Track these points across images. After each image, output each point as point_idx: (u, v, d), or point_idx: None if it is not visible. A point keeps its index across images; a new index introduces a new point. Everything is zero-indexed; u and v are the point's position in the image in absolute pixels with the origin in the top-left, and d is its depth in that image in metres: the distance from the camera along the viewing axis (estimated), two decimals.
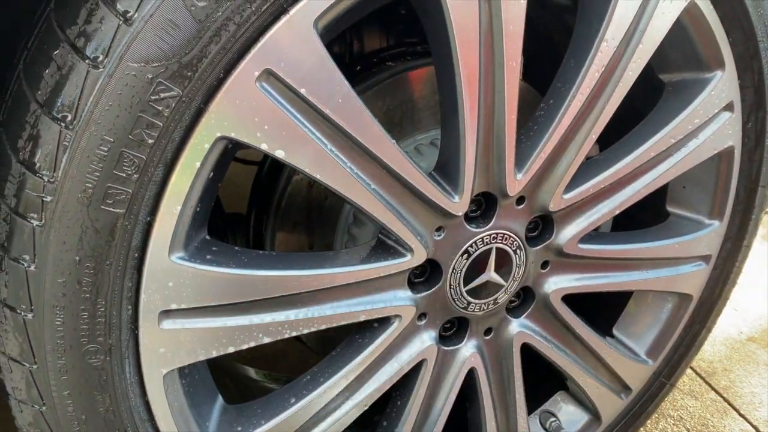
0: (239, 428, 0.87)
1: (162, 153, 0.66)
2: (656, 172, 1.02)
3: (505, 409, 1.10)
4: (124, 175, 0.65)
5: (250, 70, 0.67)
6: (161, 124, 0.65)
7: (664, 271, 1.13)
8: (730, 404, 1.67)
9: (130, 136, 0.64)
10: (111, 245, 0.68)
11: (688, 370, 1.76)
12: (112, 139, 0.64)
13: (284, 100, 0.70)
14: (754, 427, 1.61)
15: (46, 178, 0.64)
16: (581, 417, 1.26)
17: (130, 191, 0.66)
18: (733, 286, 1.25)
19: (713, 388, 1.72)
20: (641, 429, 1.44)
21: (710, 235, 1.14)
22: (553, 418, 1.23)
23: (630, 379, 1.22)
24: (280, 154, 0.72)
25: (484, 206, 0.93)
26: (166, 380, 0.79)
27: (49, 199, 0.64)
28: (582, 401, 1.25)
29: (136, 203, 0.67)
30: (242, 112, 0.69)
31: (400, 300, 0.91)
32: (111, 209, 0.66)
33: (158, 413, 0.80)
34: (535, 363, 1.14)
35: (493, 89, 0.83)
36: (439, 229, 0.89)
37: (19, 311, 0.69)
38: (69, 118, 0.63)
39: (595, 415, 1.24)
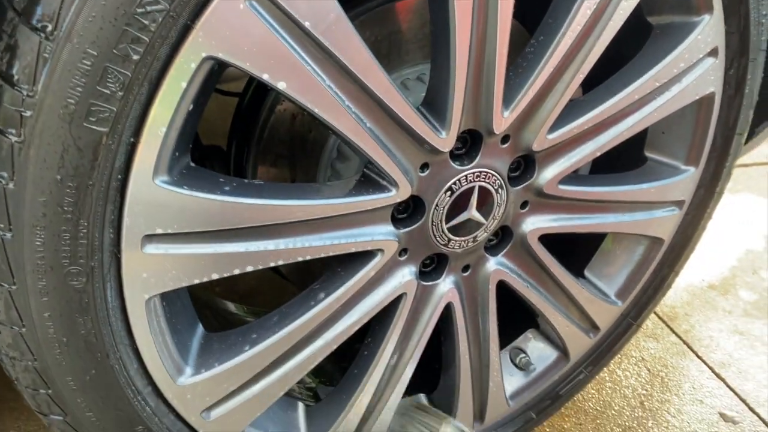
0: (220, 354, 0.88)
1: (147, 70, 0.64)
2: (638, 115, 1.03)
3: (479, 344, 1.13)
4: (108, 92, 0.63)
5: None
6: (147, 40, 0.62)
7: (638, 214, 1.16)
8: (689, 347, 1.75)
9: (114, 51, 0.62)
10: (94, 165, 0.66)
11: (651, 315, 1.83)
12: (95, 53, 0.61)
13: (274, 21, 0.68)
14: (710, 367, 1.69)
15: (24, 92, 0.61)
16: (550, 354, 1.30)
17: (114, 109, 0.64)
18: (702, 232, 1.28)
19: (674, 332, 1.79)
20: (605, 368, 1.50)
21: (685, 180, 1.17)
22: (522, 354, 1.27)
23: (599, 318, 1.26)
24: (267, 77, 0.71)
25: (469, 144, 0.93)
26: (148, 306, 0.78)
27: (28, 114, 0.62)
28: (552, 339, 1.29)
29: (120, 122, 0.65)
30: (230, 32, 0.66)
31: (384, 234, 0.92)
32: (94, 127, 0.64)
33: (139, 338, 0.80)
34: (508, 301, 1.16)
35: (486, 22, 0.81)
36: (424, 165, 0.89)
37: None
38: (49, 28, 0.60)
39: (563, 353, 1.29)
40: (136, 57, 0.63)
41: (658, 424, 1.52)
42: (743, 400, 1.60)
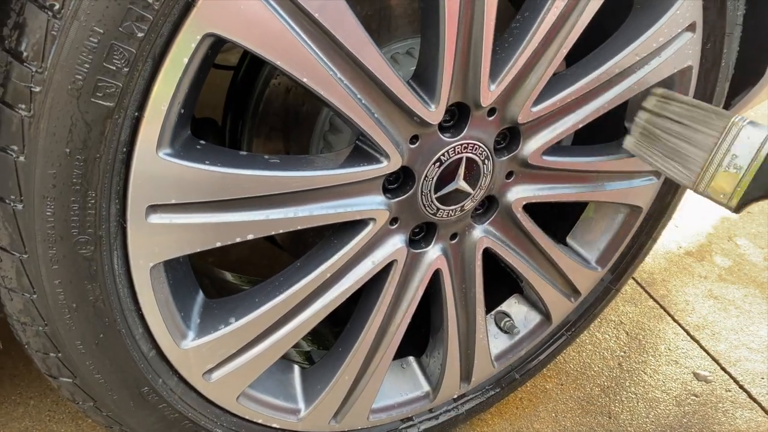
0: (220, 319, 0.92)
1: (151, 47, 0.67)
2: (619, 88, 1.07)
3: (465, 309, 1.18)
4: (114, 68, 0.66)
5: None
6: (151, 17, 0.65)
7: (618, 183, 1.21)
8: (665, 311, 1.82)
9: (120, 29, 0.64)
10: (101, 139, 0.69)
11: (630, 281, 1.90)
12: (101, 31, 0.64)
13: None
14: (685, 330, 1.76)
15: (33, 68, 0.64)
16: (533, 318, 1.36)
17: (120, 85, 0.67)
18: (679, 200, 1.34)
19: (651, 297, 1.87)
20: (585, 331, 1.57)
21: None
22: (507, 318, 1.33)
23: (580, 284, 1.31)
24: (264, 53, 0.74)
25: (457, 116, 0.97)
26: (153, 273, 0.82)
27: (37, 89, 0.65)
28: (535, 303, 1.35)
29: (125, 97, 0.68)
30: (230, 10, 0.69)
31: (375, 204, 0.96)
32: (101, 102, 0.67)
33: (144, 304, 0.84)
34: (494, 267, 1.21)
35: None
36: (414, 137, 0.93)
37: (8, 201, 0.70)
38: (57, 6, 0.62)
39: (546, 316, 1.35)
40: (140, 34, 0.65)
41: (635, 384, 1.59)
42: (716, 361, 1.68)
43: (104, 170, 0.71)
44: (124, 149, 0.72)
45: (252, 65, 1.07)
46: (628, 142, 0.97)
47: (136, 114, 0.70)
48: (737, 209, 0.89)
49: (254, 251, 1.80)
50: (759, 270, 1.99)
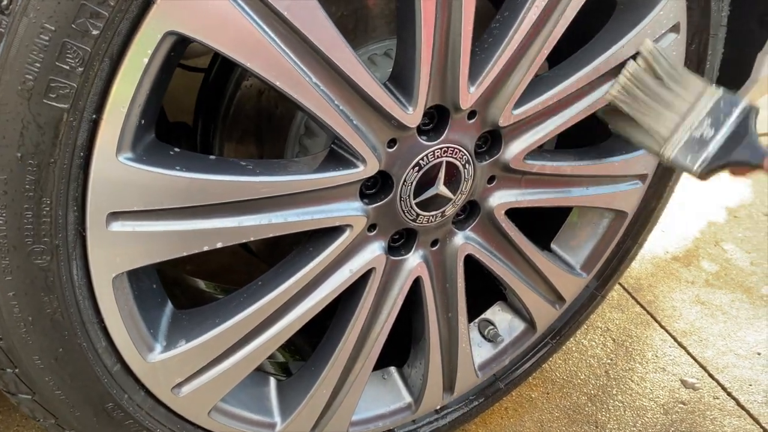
0: (190, 332, 0.88)
1: (108, 46, 0.63)
2: (603, 90, 1.05)
3: (447, 317, 1.15)
4: (68, 67, 0.62)
5: None
6: (106, 14, 0.61)
7: (603, 188, 1.18)
8: (652, 317, 1.80)
9: (73, 26, 0.61)
10: (55, 143, 0.65)
11: (617, 286, 1.88)
12: (53, 28, 0.60)
13: None
14: (672, 336, 1.74)
15: None
16: (518, 325, 1.33)
17: (75, 85, 0.63)
18: (665, 205, 1.32)
19: (638, 302, 1.84)
20: (571, 338, 1.54)
21: (648, 154, 1.19)
22: (491, 327, 1.30)
23: (565, 290, 1.29)
24: (230, 53, 0.70)
25: (436, 119, 0.94)
26: (115, 283, 0.78)
27: None
28: (519, 311, 1.32)
29: (81, 99, 0.64)
30: (192, 7, 0.66)
31: (352, 210, 0.92)
32: (54, 104, 0.63)
33: (107, 316, 0.80)
34: (477, 275, 1.18)
35: None
36: (391, 141, 0.90)
37: None
38: (4, 2, 0.59)
39: (530, 324, 1.32)
40: (95, 32, 0.62)
41: (622, 392, 1.57)
42: (703, 367, 1.66)
43: (60, 176, 0.67)
44: (82, 154, 0.68)
45: (223, 67, 1.03)
46: (612, 91, 0.94)
47: (94, 116, 0.67)
48: (702, 176, 0.88)
49: (235, 259, 1.76)
50: (746, 275, 1.98)
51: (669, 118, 0.89)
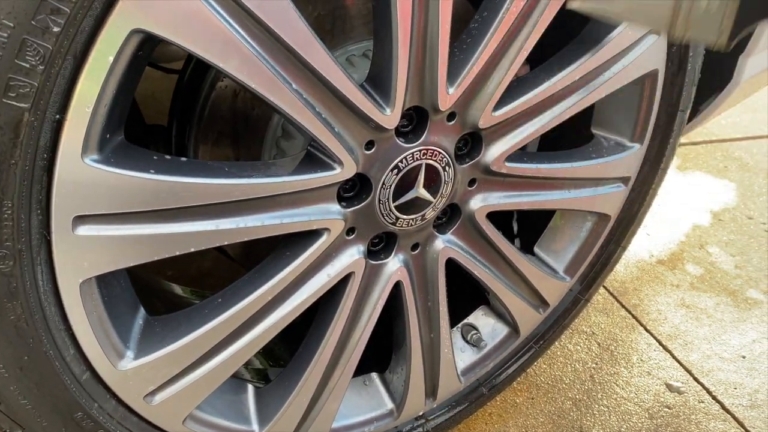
0: (163, 339, 0.86)
1: (70, 43, 0.61)
2: (583, 92, 1.04)
3: (429, 322, 1.13)
4: (28, 65, 0.60)
5: None
6: (68, 11, 0.60)
7: (585, 191, 1.17)
8: (638, 320, 1.79)
9: (33, 22, 0.59)
10: (16, 143, 0.63)
11: (602, 290, 1.87)
12: (11, 24, 0.58)
13: None
14: (657, 340, 1.74)
15: None
16: (501, 330, 1.32)
17: (36, 84, 0.61)
18: (648, 208, 1.31)
19: (624, 306, 1.84)
20: (556, 342, 1.53)
21: (631, 157, 1.18)
22: (474, 331, 1.28)
23: (548, 294, 1.27)
24: (200, 52, 0.69)
25: (415, 121, 0.92)
26: (83, 289, 0.76)
27: None
28: (502, 315, 1.31)
29: (43, 98, 0.62)
30: (159, 5, 0.64)
31: (329, 213, 0.91)
32: (14, 103, 0.61)
33: (75, 323, 0.78)
34: (460, 279, 1.17)
35: None
36: (369, 143, 0.88)
37: None
38: None
39: (514, 329, 1.31)
40: (56, 29, 0.60)
41: (607, 396, 1.56)
42: (688, 371, 1.65)
43: (22, 178, 0.65)
44: (45, 155, 0.66)
45: (198, 67, 1.01)
46: None
47: (57, 116, 0.64)
48: (728, 44, 0.71)
49: (216, 263, 1.74)
50: (730, 278, 1.98)
51: None
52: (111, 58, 0.64)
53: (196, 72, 1.01)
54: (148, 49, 0.70)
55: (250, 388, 1.06)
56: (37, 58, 0.60)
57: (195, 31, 0.67)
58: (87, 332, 0.79)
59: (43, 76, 0.61)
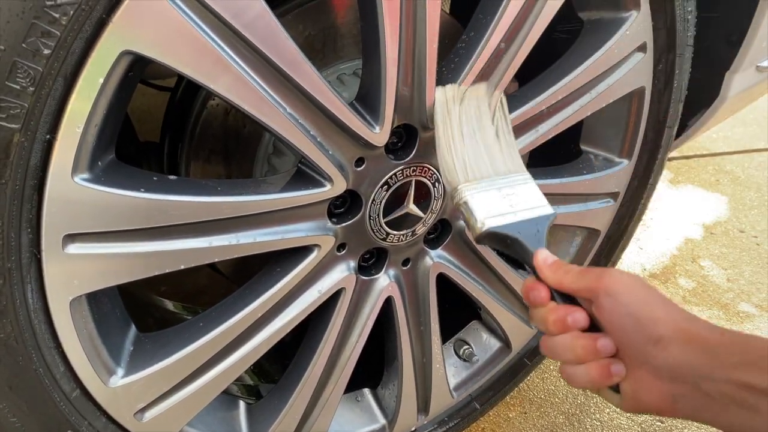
0: (153, 355, 0.86)
1: (61, 65, 0.62)
2: (571, 109, 1.05)
3: (420, 337, 1.14)
4: (19, 87, 0.61)
5: None
6: (59, 34, 0.60)
7: (574, 206, 1.18)
8: None
9: (23, 45, 0.60)
10: (6, 163, 0.63)
11: None
12: (2, 47, 0.59)
13: (195, 15, 0.67)
14: None
15: None
16: (493, 345, 1.32)
17: (26, 105, 0.62)
18: (638, 223, 1.32)
19: None
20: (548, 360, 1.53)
21: (619, 173, 1.20)
22: (466, 346, 1.29)
23: None
24: (190, 73, 0.70)
25: (404, 138, 0.93)
26: (74, 306, 0.76)
27: None
28: (494, 330, 1.31)
29: (33, 119, 0.63)
30: (149, 26, 0.65)
31: (320, 230, 0.91)
32: (4, 124, 0.62)
33: (65, 340, 0.78)
34: (450, 294, 1.17)
35: (415, 18, 0.82)
36: (359, 159, 0.89)
37: None
38: None
39: (506, 343, 1.31)
40: (47, 51, 0.61)
41: (599, 410, 1.56)
42: None
43: (12, 197, 0.66)
44: (35, 174, 0.66)
45: (189, 85, 1.02)
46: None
47: (48, 137, 0.65)
48: (481, 237, 0.79)
49: (211, 280, 1.74)
50: (722, 291, 1.99)
51: (484, 162, 0.82)
52: (101, 79, 0.65)
53: (188, 90, 1.03)
54: (139, 69, 0.71)
55: (242, 404, 1.06)
56: (28, 79, 0.61)
57: (184, 52, 0.68)
58: (77, 350, 0.80)
59: (33, 98, 0.62)
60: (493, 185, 0.81)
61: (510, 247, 0.78)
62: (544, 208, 0.81)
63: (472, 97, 0.85)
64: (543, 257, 0.74)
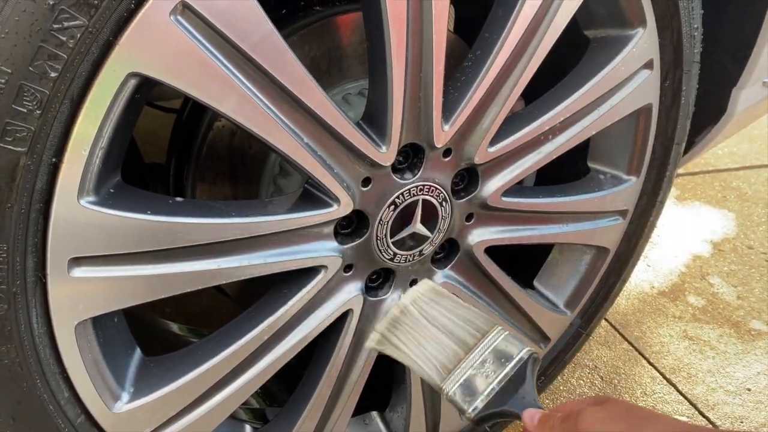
0: (158, 380, 0.85)
1: (67, 88, 0.62)
2: (578, 127, 1.05)
3: None
4: (25, 110, 0.61)
5: (164, 1, 0.63)
6: (65, 57, 0.60)
7: (583, 224, 1.17)
8: (640, 353, 1.77)
9: (30, 68, 0.59)
10: (12, 187, 0.63)
11: (603, 322, 1.85)
12: (9, 71, 0.59)
13: (202, 37, 0.66)
14: (661, 373, 1.71)
15: None
16: None
17: (33, 128, 0.62)
18: (647, 241, 1.31)
19: (626, 339, 1.82)
20: (558, 377, 1.51)
21: (628, 190, 1.19)
22: None
23: (549, 329, 1.26)
24: (197, 95, 0.69)
25: (411, 157, 0.93)
26: (79, 331, 0.75)
27: None
28: None
29: (39, 142, 0.63)
30: (156, 48, 0.65)
31: (327, 251, 0.91)
32: (11, 147, 0.61)
33: (70, 365, 0.77)
34: None
35: (421, 38, 0.82)
36: (366, 179, 0.88)
37: None
38: None
39: None
40: (54, 74, 0.60)
41: None
42: (693, 405, 1.63)
43: (17, 220, 0.65)
44: (41, 197, 0.66)
45: (195, 106, 1.02)
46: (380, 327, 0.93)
47: (54, 160, 0.65)
48: (476, 421, 0.81)
49: (216, 301, 1.73)
50: (732, 309, 1.96)
51: (450, 349, 0.85)
52: (108, 102, 0.65)
53: (194, 111, 1.02)
54: (145, 91, 0.70)
55: (248, 428, 1.05)
56: (34, 102, 0.61)
57: (191, 74, 0.68)
58: (82, 375, 0.78)
59: (40, 121, 0.62)
60: (469, 365, 0.83)
61: (504, 416, 0.81)
62: (523, 353, 0.83)
63: (408, 304, 0.91)
64: (529, 418, 0.76)
